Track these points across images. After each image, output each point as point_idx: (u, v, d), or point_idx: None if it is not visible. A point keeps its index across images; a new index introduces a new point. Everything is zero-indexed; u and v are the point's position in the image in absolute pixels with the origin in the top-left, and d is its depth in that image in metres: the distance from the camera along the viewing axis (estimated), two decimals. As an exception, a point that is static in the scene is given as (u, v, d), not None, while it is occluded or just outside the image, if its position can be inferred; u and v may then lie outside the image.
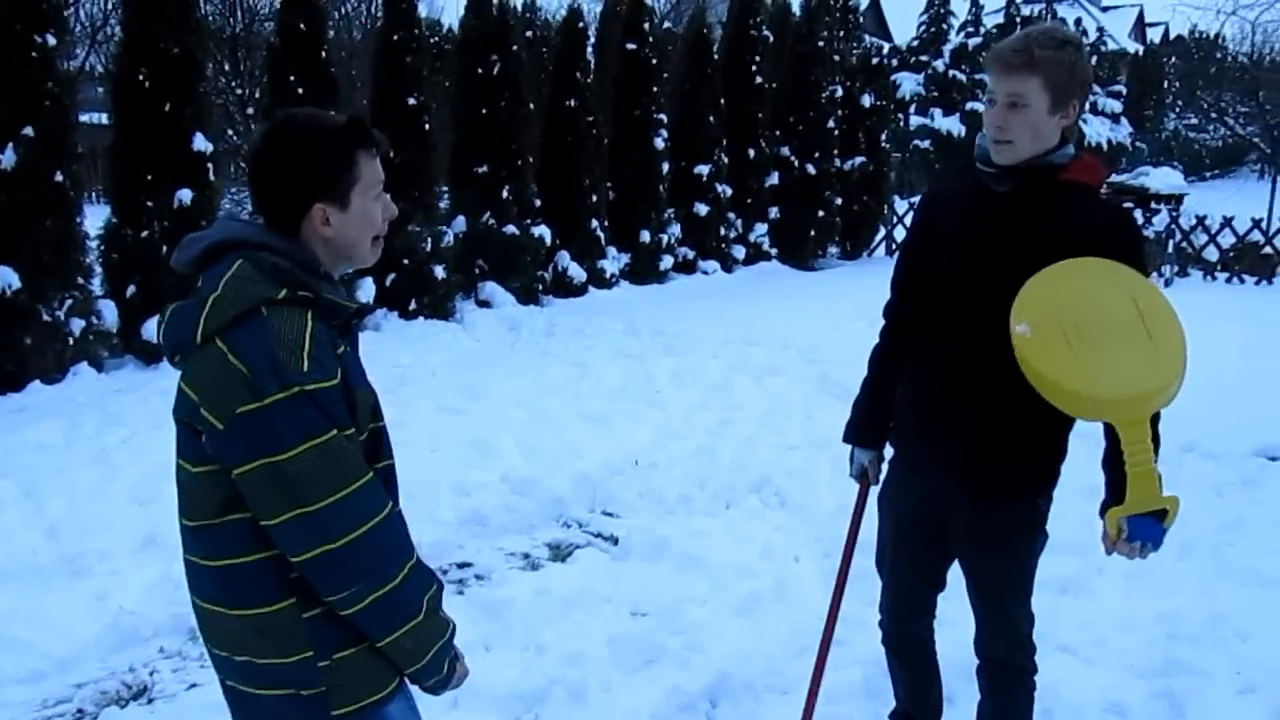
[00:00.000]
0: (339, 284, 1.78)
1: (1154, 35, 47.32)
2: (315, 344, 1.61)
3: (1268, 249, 14.70)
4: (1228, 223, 15.07)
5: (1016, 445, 2.44)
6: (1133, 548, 2.24)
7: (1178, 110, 37.11)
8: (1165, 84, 38.47)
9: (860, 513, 2.90)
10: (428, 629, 1.74)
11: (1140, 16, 49.51)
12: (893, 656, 2.95)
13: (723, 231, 13.90)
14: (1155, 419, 2.29)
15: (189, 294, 1.70)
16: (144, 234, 7.79)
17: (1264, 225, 14.91)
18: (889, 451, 2.81)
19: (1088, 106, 29.07)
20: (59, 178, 7.10)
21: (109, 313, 7.58)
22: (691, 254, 13.56)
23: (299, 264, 1.68)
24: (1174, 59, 39.99)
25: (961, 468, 2.50)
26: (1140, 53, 40.56)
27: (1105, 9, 46.47)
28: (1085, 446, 2.50)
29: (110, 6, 15.55)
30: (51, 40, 7.06)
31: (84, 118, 8.85)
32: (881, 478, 2.84)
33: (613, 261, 12.34)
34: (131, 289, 7.79)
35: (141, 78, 7.77)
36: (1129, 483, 2.22)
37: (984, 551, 2.58)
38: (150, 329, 7.62)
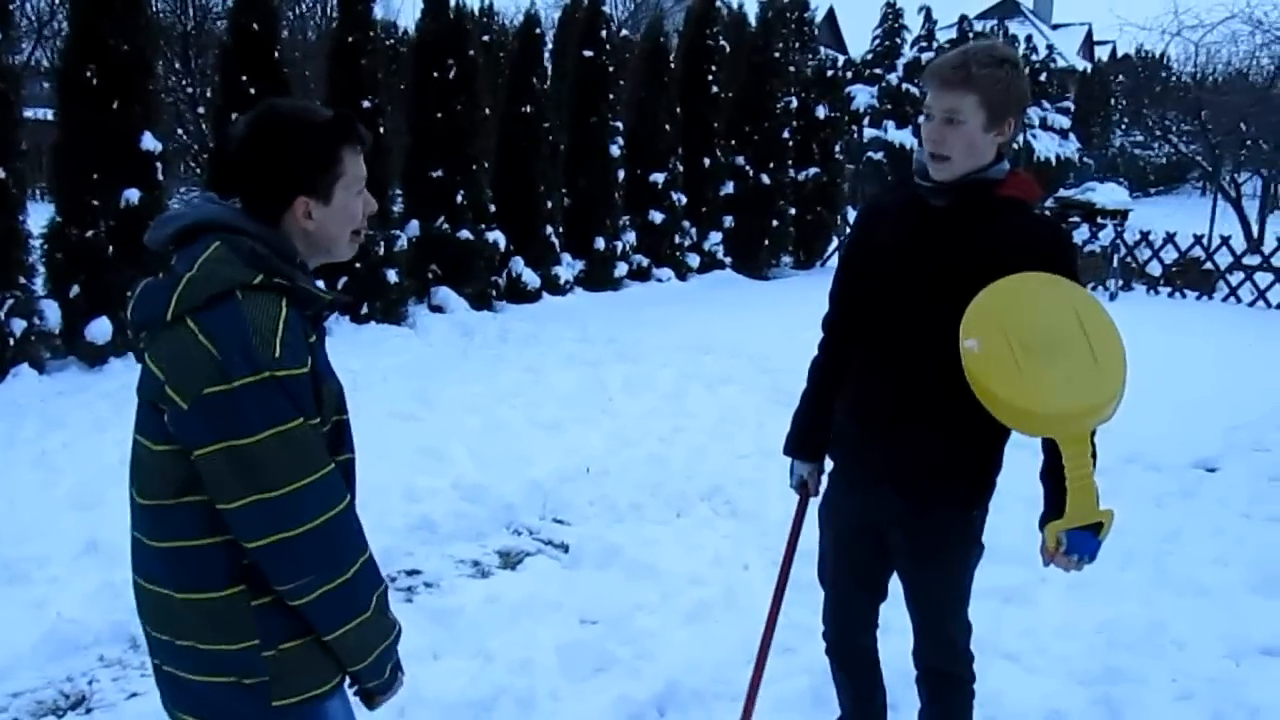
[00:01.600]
0: (311, 274, 1.77)
1: (1102, 53, 48.27)
2: (289, 331, 1.60)
3: (1208, 265, 15.05)
4: (1170, 238, 15.41)
5: (952, 457, 2.46)
6: (1070, 560, 2.28)
7: (1124, 127, 37.84)
8: (1112, 101, 39.21)
9: (800, 523, 2.92)
10: (374, 628, 1.73)
11: (1089, 35, 50.46)
12: (837, 666, 2.96)
13: (677, 240, 13.94)
14: (1092, 432, 2.32)
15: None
16: (89, 234, 7.62)
17: (1205, 241, 15.27)
18: (829, 463, 2.82)
19: (1037, 122, 29.51)
20: (1, 174, 6.95)
21: (51, 313, 7.42)
22: (646, 262, 13.58)
23: (277, 251, 1.67)
24: (1121, 77, 40.78)
25: (897, 479, 2.51)
26: (1088, 70, 41.32)
27: (1055, 27, 47.35)
28: (1027, 456, 2.54)
29: (58, 1, 15.27)
30: (-5, 34, 6.92)
31: (29, 114, 8.64)
32: (821, 489, 2.85)
33: (567, 268, 12.33)
34: (75, 289, 7.62)
35: (89, 74, 7.62)
36: (1069, 496, 2.25)
37: (919, 563, 2.60)
38: (94, 330, 7.48)
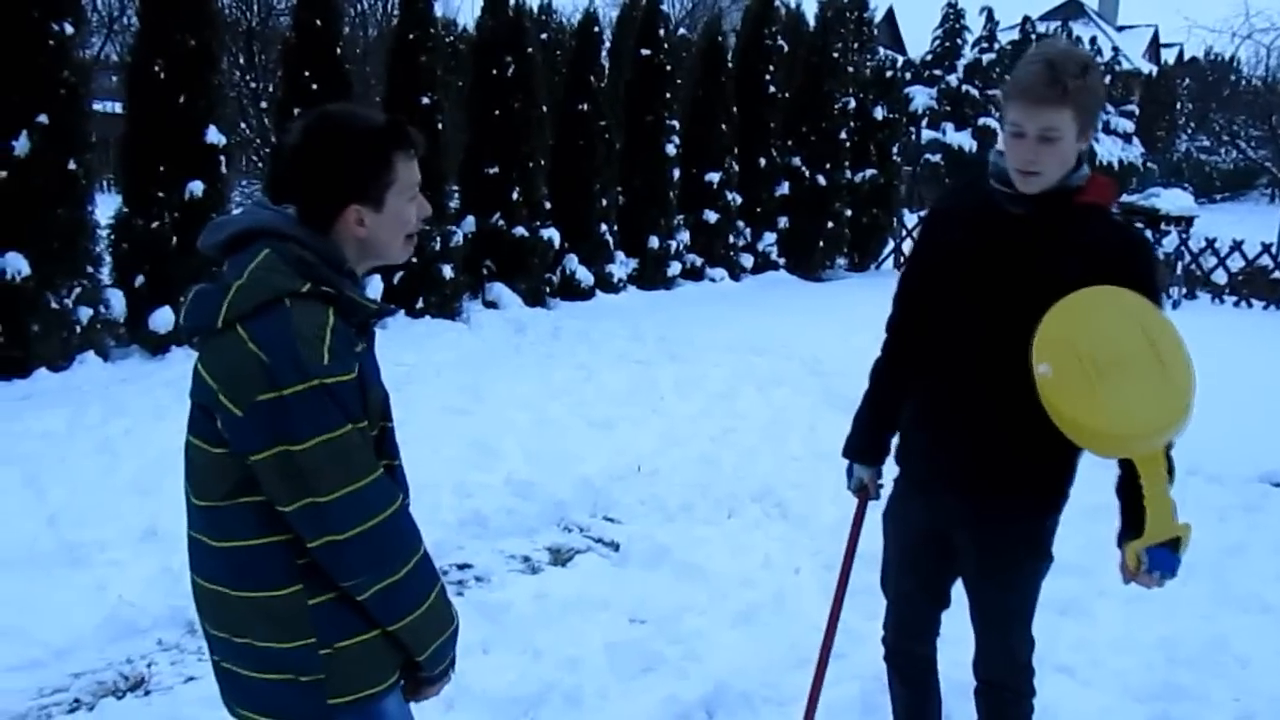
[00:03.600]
0: (361, 282, 1.79)
1: (1168, 56, 47.27)
2: (335, 338, 1.62)
3: (1277, 273, 14.68)
4: (1237, 246, 15.05)
5: (1026, 467, 2.42)
6: (1151, 578, 2.26)
7: (1190, 132, 37.08)
8: (1178, 105, 38.44)
9: (859, 526, 2.89)
10: (428, 624, 1.75)
11: (1155, 37, 49.45)
12: (895, 675, 2.93)
13: (731, 240, 13.89)
14: (1169, 445, 2.28)
15: (199, 283, 1.71)
16: (154, 224, 7.79)
17: (1273, 250, 14.88)
18: (893, 469, 2.78)
19: (1100, 125, 29.07)
20: (71, 166, 7.11)
21: (117, 302, 7.60)
22: (699, 261, 13.55)
23: (325, 259, 1.68)
24: (1188, 81, 39.95)
25: (969, 488, 2.48)
26: (1154, 73, 40.53)
27: (1120, 29, 46.47)
28: (1088, 467, 2.49)
29: (127, -3, 15.60)
30: (69, 29, 7.08)
31: (98, 106, 8.86)
32: (885, 495, 2.82)
33: (620, 266, 12.34)
34: (140, 279, 7.80)
35: (156, 69, 7.79)
36: (1148, 514, 2.23)
37: (988, 574, 2.56)
38: (157, 319, 7.63)
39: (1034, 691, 2.66)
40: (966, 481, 2.48)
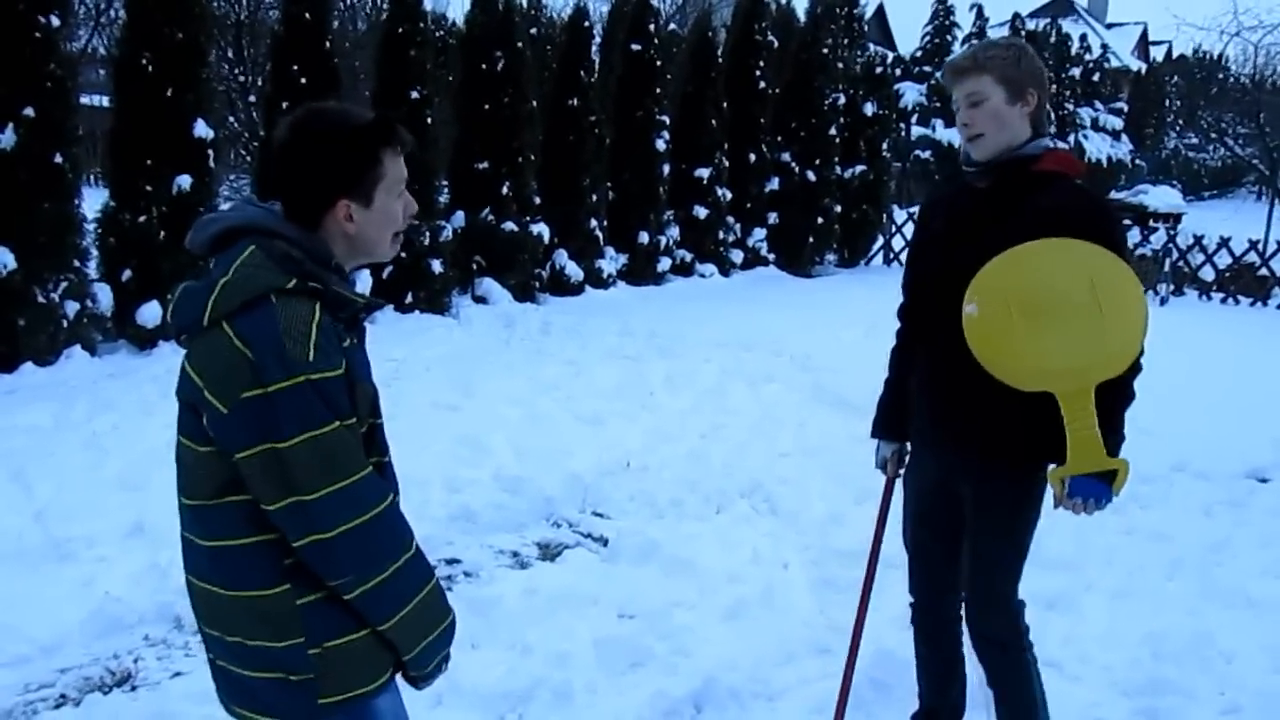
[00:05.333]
0: (349, 278, 1.79)
1: (1157, 54, 47.40)
2: (321, 333, 1.61)
3: (1263, 270, 14.75)
4: (1224, 243, 15.11)
5: (1009, 419, 2.58)
6: (1075, 504, 2.46)
7: (1178, 129, 37.21)
8: (1166, 103, 38.56)
9: (887, 502, 3.10)
10: (419, 623, 1.75)
11: (1144, 35, 49.55)
12: (921, 639, 3.07)
13: (721, 235, 13.91)
14: (1122, 392, 2.48)
15: (187, 278, 1.71)
16: (141, 219, 7.76)
17: (1260, 247, 14.94)
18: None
19: (1089, 122, 29.05)
20: (58, 159, 7.07)
21: (104, 296, 7.56)
22: (689, 257, 13.56)
23: (311, 255, 1.68)
24: (1176, 78, 40.08)
25: (966, 446, 2.68)
26: (1143, 71, 40.64)
27: (1109, 26, 46.53)
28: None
29: (115, -10, 15.49)
30: (55, 21, 7.04)
31: (85, 100, 8.80)
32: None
33: (610, 262, 12.34)
34: (127, 273, 7.77)
35: (144, 62, 7.75)
36: (1069, 446, 2.42)
37: (984, 522, 2.72)
38: (145, 314, 7.60)
39: (1030, 645, 2.79)
40: (962, 440, 2.68)
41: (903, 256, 16.81)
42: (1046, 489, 2.65)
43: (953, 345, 2.56)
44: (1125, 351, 2.41)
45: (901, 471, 3.04)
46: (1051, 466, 2.51)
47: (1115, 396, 2.47)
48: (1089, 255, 2.44)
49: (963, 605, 2.92)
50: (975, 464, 2.68)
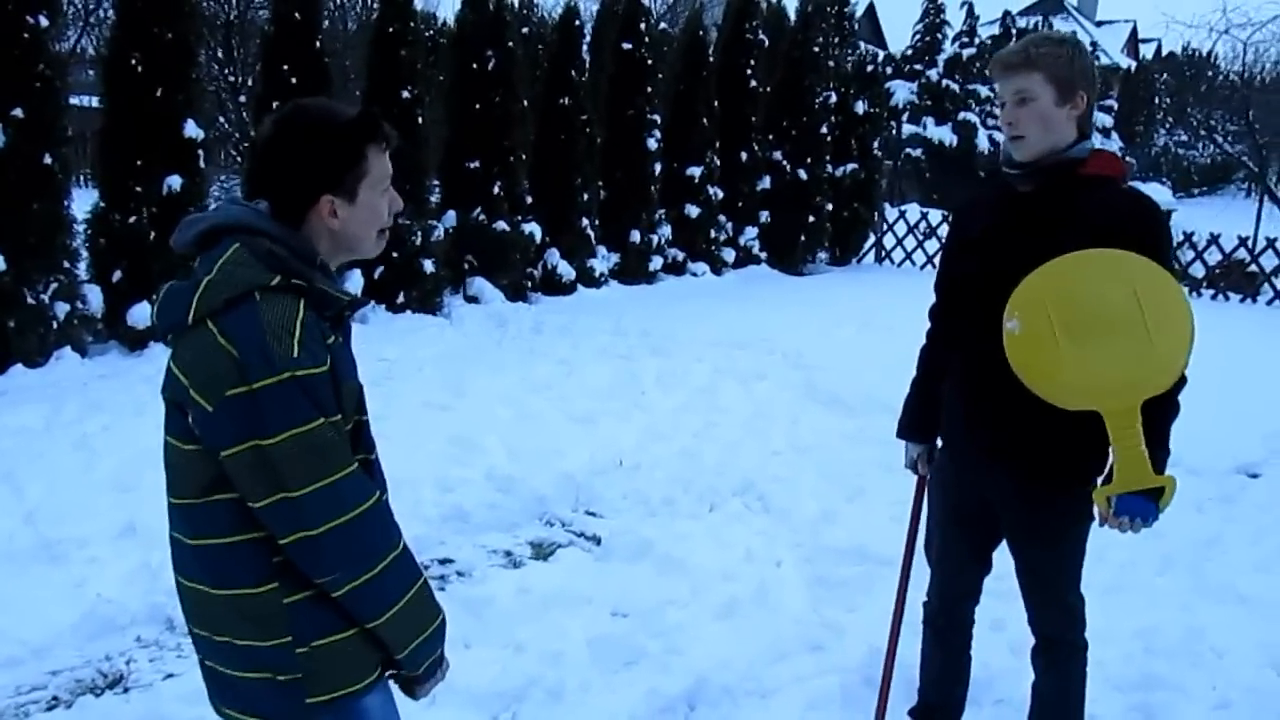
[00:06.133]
0: (334, 276, 1.78)
1: (1147, 51, 47.52)
2: (306, 331, 1.61)
3: (1253, 267, 14.79)
4: (1214, 240, 15.15)
5: (1061, 435, 2.50)
6: (1121, 522, 2.37)
7: (1168, 126, 37.30)
8: (1156, 100, 38.63)
9: (920, 504, 3.07)
10: (407, 622, 1.74)
11: (1134, 32, 49.68)
12: (934, 637, 3.05)
13: (713, 234, 13.89)
14: (1169, 406, 2.41)
15: (177, 278, 1.70)
16: (132, 219, 7.73)
17: (1250, 243, 14.99)
18: (938, 443, 2.95)
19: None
20: (48, 160, 7.04)
21: (94, 297, 7.52)
22: (681, 256, 13.54)
23: (296, 253, 1.68)
24: (1166, 76, 40.16)
25: (1008, 459, 2.60)
26: (1133, 68, 40.72)
27: (1099, 24, 46.65)
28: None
29: (104, -10, 15.45)
30: (44, 21, 7.01)
31: (74, 100, 8.78)
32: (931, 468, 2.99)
33: (602, 261, 12.33)
34: (118, 274, 7.73)
35: (134, 62, 7.72)
36: (1116, 463, 2.35)
37: (1036, 541, 2.67)
38: (136, 314, 7.57)
39: (1087, 644, 2.79)
40: (1005, 455, 2.60)
41: (894, 255, 16.84)
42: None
43: (991, 354, 2.49)
44: (1172, 367, 2.33)
45: (929, 475, 3.00)
46: (1098, 484, 2.44)
47: (1162, 411, 2.40)
48: (1132, 267, 2.35)
49: (974, 609, 2.96)
50: (1015, 484, 2.61)
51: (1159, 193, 23.01)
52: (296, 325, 1.60)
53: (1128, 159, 33.00)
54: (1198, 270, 15.23)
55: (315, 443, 1.60)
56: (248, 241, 1.65)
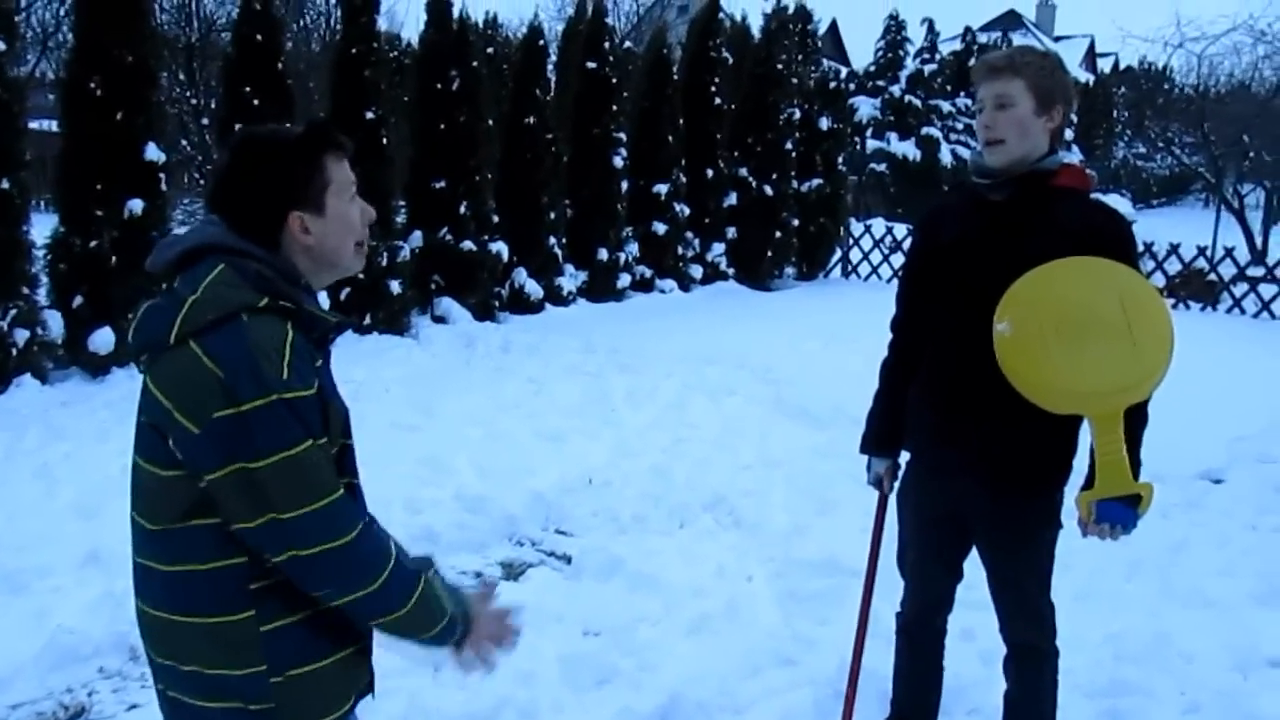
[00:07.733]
0: (316, 297, 1.77)
1: (1104, 66, 48.27)
2: (294, 353, 1.59)
3: (1212, 276, 15.02)
4: (1174, 250, 15.39)
5: (1030, 443, 2.53)
6: (1102, 529, 2.41)
7: (1127, 139, 37.83)
8: (1115, 113, 39.23)
9: (881, 519, 3.03)
10: (411, 622, 1.71)
11: (1091, 47, 50.52)
12: (908, 647, 3.05)
13: (680, 251, 13.94)
14: (1142, 415, 2.45)
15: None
16: (92, 244, 7.64)
17: (1208, 253, 15.23)
18: (903, 456, 2.94)
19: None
20: (5, 185, 6.97)
21: (54, 323, 7.42)
22: (649, 273, 13.58)
23: (280, 274, 1.66)
24: (1123, 89, 40.79)
25: (979, 469, 2.60)
26: (1091, 82, 41.34)
27: (1057, 39, 47.44)
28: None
29: (62, 12, 15.31)
30: (2, 45, 6.94)
31: (33, 124, 8.68)
32: (898, 481, 2.96)
33: (570, 279, 12.33)
34: (78, 299, 7.64)
35: (93, 85, 7.64)
36: (1097, 470, 2.38)
37: (1007, 548, 2.69)
38: (97, 340, 7.48)
39: (1058, 651, 2.80)
40: (976, 464, 2.60)
41: (860, 269, 16.95)
42: (1062, 505, 2.64)
43: (970, 363, 2.51)
44: (1156, 374, 2.36)
45: (895, 487, 2.98)
46: (1079, 491, 2.45)
47: (1136, 420, 2.44)
48: (1117, 275, 2.40)
49: (947, 618, 2.96)
50: (986, 490, 2.62)
51: (1119, 204, 23.35)
52: (285, 347, 1.58)
53: (1089, 171, 33.46)
54: (1158, 280, 15.45)
55: (303, 466, 1.57)
56: (235, 262, 1.63)
